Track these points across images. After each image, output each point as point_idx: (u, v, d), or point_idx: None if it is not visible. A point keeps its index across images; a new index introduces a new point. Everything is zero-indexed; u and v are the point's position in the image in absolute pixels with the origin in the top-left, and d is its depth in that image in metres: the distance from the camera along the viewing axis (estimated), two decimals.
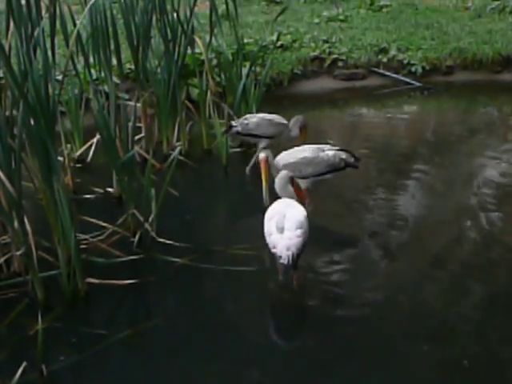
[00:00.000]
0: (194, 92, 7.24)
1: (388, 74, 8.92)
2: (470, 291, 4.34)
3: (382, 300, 4.23)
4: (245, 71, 6.52)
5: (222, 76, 6.85)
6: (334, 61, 8.97)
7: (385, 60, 9.01)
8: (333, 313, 4.08)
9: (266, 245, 4.20)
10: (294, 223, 4.17)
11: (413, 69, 8.89)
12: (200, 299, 4.25)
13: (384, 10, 10.95)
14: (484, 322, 4.00)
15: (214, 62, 7.21)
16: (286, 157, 5.24)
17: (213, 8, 6.33)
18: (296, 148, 5.33)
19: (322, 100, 8.52)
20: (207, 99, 6.56)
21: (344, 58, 8.96)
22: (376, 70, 8.97)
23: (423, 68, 8.88)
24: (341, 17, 10.52)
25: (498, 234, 5.01)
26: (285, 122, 6.14)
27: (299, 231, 4.14)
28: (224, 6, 6.48)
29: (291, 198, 4.53)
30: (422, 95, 8.68)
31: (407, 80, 8.84)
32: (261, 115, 6.16)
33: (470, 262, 4.68)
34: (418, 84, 8.77)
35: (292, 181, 4.63)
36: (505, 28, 9.72)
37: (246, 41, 8.01)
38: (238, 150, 6.61)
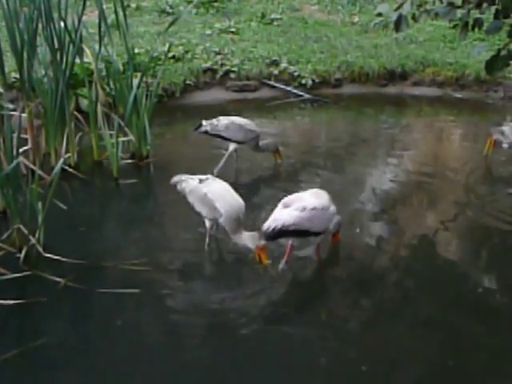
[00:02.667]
0: (84, 102, 7.06)
1: (279, 86, 9.07)
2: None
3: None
4: (136, 82, 6.42)
5: (113, 86, 6.72)
6: (227, 72, 9.02)
7: (276, 72, 9.15)
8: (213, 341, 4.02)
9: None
10: (299, 205, 4.33)
11: (303, 81, 9.07)
12: (87, 318, 4.15)
13: (275, 23, 11.12)
14: None
15: (104, 72, 7.07)
16: None
17: (102, 17, 6.20)
18: None
19: (214, 111, 8.46)
20: (97, 110, 6.41)
21: (236, 69, 9.02)
22: (267, 81, 9.10)
23: (313, 80, 9.09)
24: (232, 29, 10.60)
25: (385, 241, 5.19)
26: (256, 129, 6.21)
27: (295, 212, 4.28)
28: (114, 16, 6.36)
29: None
30: (312, 107, 8.88)
31: (298, 92, 9.02)
32: (233, 118, 6.22)
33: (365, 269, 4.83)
34: (308, 96, 8.97)
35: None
36: (389, 43, 10.12)
37: (137, 51, 7.93)
38: (130, 161, 6.49)
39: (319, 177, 6.42)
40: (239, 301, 4.37)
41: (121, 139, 6.30)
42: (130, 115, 6.39)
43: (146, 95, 6.53)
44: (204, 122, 6.23)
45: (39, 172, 5.45)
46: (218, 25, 10.71)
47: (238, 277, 4.66)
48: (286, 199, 4.53)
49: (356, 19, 11.46)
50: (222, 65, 9.07)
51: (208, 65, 9.01)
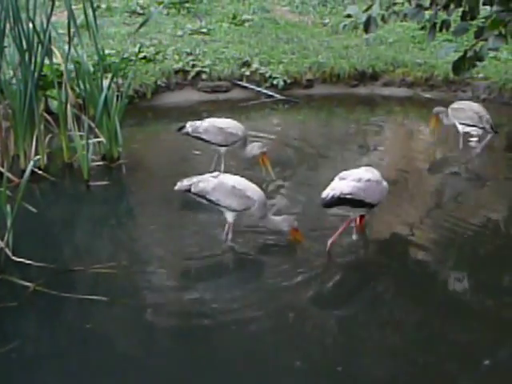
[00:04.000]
0: (53, 104, 6.98)
1: (251, 86, 9.08)
2: None
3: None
4: (106, 83, 6.37)
5: (83, 87, 6.66)
6: (198, 73, 9.00)
7: (248, 73, 9.15)
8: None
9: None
10: (355, 176, 4.68)
11: (275, 82, 9.08)
12: (56, 324, 4.11)
13: (246, 24, 11.11)
14: None
15: (74, 73, 6.99)
16: None
17: (71, 17, 6.14)
18: None
19: (186, 112, 8.48)
20: (67, 111, 6.35)
21: (207, 70, 9.00)
22: (239, 82, 9.10)
23: (284, 81, 9.10)
24: (204, 30, 10.58)
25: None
26: (239, 132, 6.07)
27: (352, 182, 4.64)
28: (83, 16, 6.30)
29: None
30: (284, 107, 8.90)
31: (269, 93, 9.03)
32: (214, 120, 6.16)
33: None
34: (279, 97, 8.98)
35: None
36: (359, 44, 10.15)
37: (107, 52, 7.87)
38: (100, 163, 6.44)
39: (295, 176, 6.43)
40: (217, 306, 4.33)
41: (91, 141, 6.25)
42: (101, 116, 6.35)
43: (117, 96, 6.50)
44: (188, 124, 6.16)
45: (8, 174, 5.39)
46: (189, 25, 10.67)
47: (216, 279, 4.68)
48: (341, 173, 4.83)
49: (327, 20, 11.51)
50: (193, 66, 9.05)
51: (179, 65, 8.98)
